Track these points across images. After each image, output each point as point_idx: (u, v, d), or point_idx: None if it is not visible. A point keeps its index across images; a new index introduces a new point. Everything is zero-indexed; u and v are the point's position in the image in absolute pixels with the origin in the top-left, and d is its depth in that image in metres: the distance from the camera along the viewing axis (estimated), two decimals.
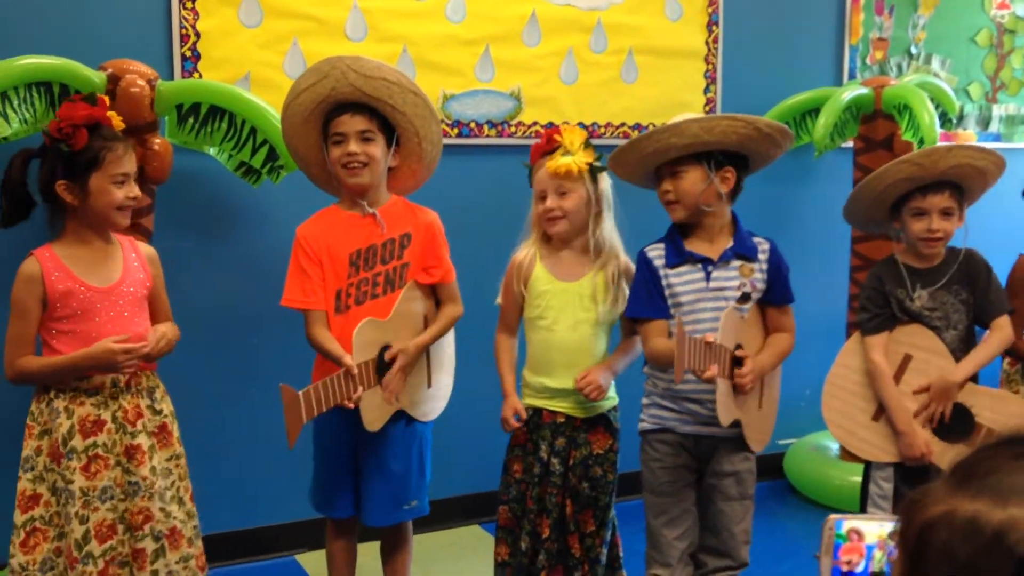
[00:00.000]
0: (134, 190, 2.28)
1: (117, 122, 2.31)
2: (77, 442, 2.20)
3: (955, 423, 2.56)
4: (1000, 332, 2.59)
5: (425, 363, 2.56)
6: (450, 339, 2.68)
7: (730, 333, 2.34)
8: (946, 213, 2.55)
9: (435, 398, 2.61)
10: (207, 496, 3.10)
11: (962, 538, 0.71)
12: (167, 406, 2.36)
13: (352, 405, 2.32)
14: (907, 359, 2.58)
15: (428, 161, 2.58)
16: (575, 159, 2.44)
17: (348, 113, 2.43)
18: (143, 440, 2.25)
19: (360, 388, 2.33)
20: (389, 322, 2.44)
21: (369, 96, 2.42)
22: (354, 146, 2.42)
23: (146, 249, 2.42)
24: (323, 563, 2.70)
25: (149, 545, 2.25)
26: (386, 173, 2.52)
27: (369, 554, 2.79)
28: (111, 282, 2.28)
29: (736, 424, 2.40)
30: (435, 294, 2.58)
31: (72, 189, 2.22)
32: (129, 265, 2.32)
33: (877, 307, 2.62)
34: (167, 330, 2.36)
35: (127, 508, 2.24)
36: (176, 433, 2.36)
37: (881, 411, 2.61)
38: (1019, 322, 2.79)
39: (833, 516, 1.00)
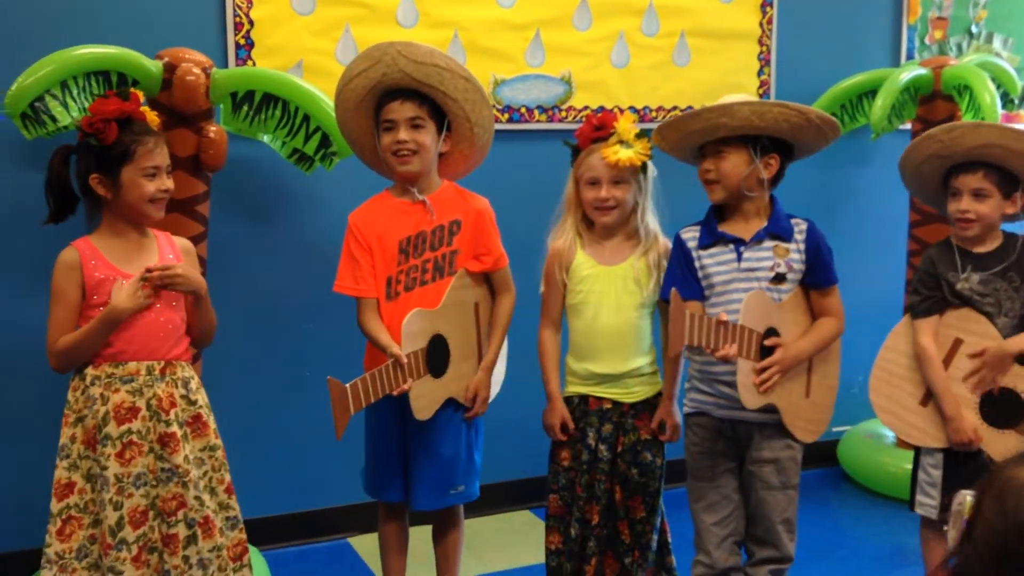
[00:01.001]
0: (166, 183, 2.30)
1: (151, 117, 2.33)
2: (112, 429, 2.23)
3: (1003, 408, 2.50)
4: None
5: (476, 351, 2.57)
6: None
7: (755, 315, 2.32)
8: (979, 194, 2.48)
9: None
10: (262, 479, 3.17)
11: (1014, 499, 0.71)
12: (202, 397, 2.38)
13: (398, 393, 2.34)
14: (957, 343, 2.53)
15: (480, 146, 2.58)
16: (636, 152, 2.43)
17: (399, 100, 2.43)
18: (176, 429, 2.28)
19: (409, 379, 2.35)
20: (439, 311, 2.45)
21: (420, 82, 2.42)
22: (404, 134, 2.43)
23: (181, 242, 2.45)
24: (375, 546, 2.73)
25: (182, 531, 2.28)
26: (437, 159, 2.53)
27: (421, 537, 2.81)
28: None
29: (771, 409, 2.38)
30: (488, 280, 2.59)
31: (105, 182, 2.26)
32: (164, 257, 2.35)
33: (928, 290, 2.57)
34: (185, 269, 2.34)
35: (159, 494, 2.27)
36: (212, 425, 2.38)
37: (929, 396, 2.56)
38: None
39: (964, 491, 0.99)
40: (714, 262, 2.41)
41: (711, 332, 2.22)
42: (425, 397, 2.42)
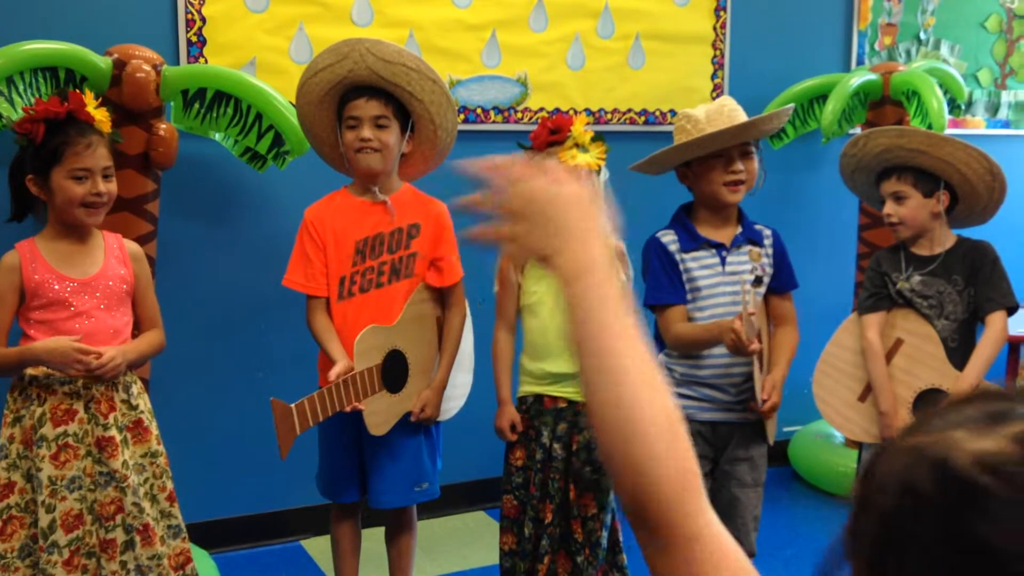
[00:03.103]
0: (99, 186, 2.24)
1: (100, 117, 2.29)
2: (47, 430, 2.20)
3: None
4: (991, 330, 2.57)
5: (438, 361, 2.56)
6: (467, 336, 2.67)
7: (760, 316, 2.37)
8: (897, 197, 2.58)
9: (449, 397, 2.59)
10: (214, 481, 3.13)
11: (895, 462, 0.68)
12: (144, 403, 2.35)
13: (350, 410, 2.33)
14: (898, 343, 2.61)
15: (441, 148, 2.57)
16: (593, 156, 2.44)
17: (364, 97, 2.41)
18: (115, 433, 2.25)
19: (360, 396, 2.33)
20: (396, 327, 2.44)
21: (387, 81, 2.40)
22: (368, 132, 2.41)
23: (131, 247, 2.41)
24: (328, 548, 2.71)
25: (119, 536, 2.25)
26: (399, 159, 2.52)
27: (374, 539, 2.80)
28: (88, 275, 2.28)
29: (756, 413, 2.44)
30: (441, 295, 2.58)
31: (38, 183, 2.23)
32: (110, 259, 2.32)
33: (874, 287, 2.67)
34: (118, 354, 2.24)
35: (96, 499, 2.24)
36: (155, 431, 2.35)
37: (868, 391, 2.64)
38: None
39: None
40: (698, 266, 2.42)
41: (751, 326, 2.26)
42: (380, 414, 2.40)
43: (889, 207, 2.58)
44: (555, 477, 2.49)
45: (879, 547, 0.65)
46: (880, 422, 2.58)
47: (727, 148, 2.37)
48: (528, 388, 2.56)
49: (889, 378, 2.59)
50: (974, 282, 2.58)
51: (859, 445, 2.73)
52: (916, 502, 0.64)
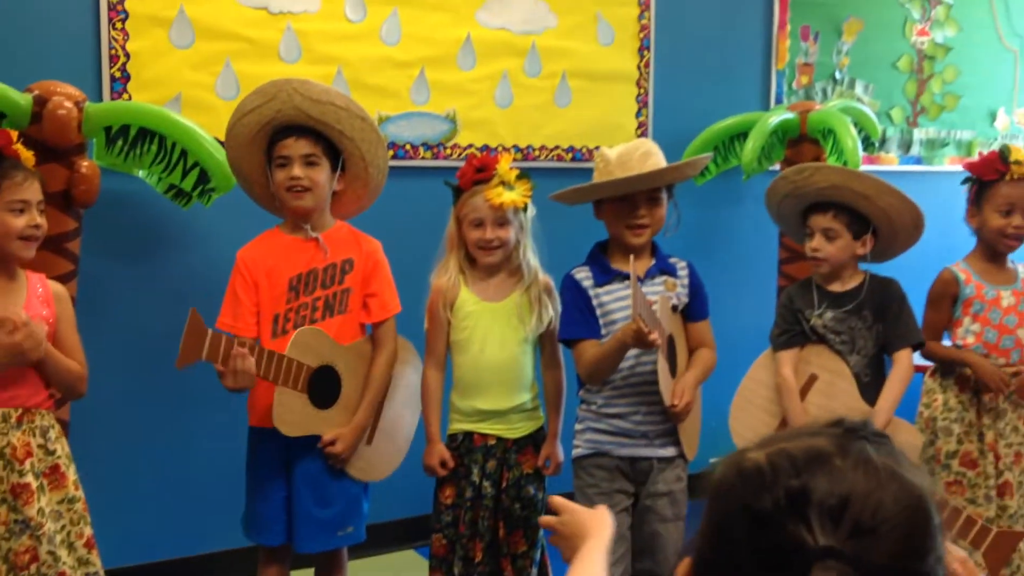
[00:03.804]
0: (36, 219, 2.22)
1: (26, 155, 2.26)
2: None
3: None
4: (899, 367, 2.62)
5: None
6: (405, 405, 2.64)
7: (665, 317, 2.41)
8: (828, 234, 2.59)
9: (375, 463, 2.57)
10: (137, 525, 3.06)
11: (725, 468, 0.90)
12: (62, 447, 2.29)
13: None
14: (812, 379, 2.65)
15: (373, 186, 2.58)
16: (519, 193, 2.47)
17: (293, 136, 2.41)
18: (31, 479, 2.19)
19: (278, 382, 2.32)
20: (342, 349, 2.45)
21: (316, 120, 2.41)
22: (298, 170, 2.41)
23: (55, 287, 2.36)
24: None
25: None
26: (330, 197, 2.51)
27: None
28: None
29: (667, 444, 2.48)
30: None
31: None
32: (32, 300, 2.27)
33: (787, 323, 2.69)
34: (42, 335, 2.19)
35: (11, 548, 2.17)
36: (72, 476, 2.29)
37: (784, 427, 2.66)
38: (934, 334, 2.91)
39: None
40: (612, 298, 2.47)
41: (649, 312, 2.28)
42: (293, 414, 2.38)
43: (817, 242, 2.60)
44: (484, 515, 2.49)
45: (703, 534, 0.89)
46: None
47: (632, 193, 2.43)
48: (458, 425, 2.56)
49: (804, 414, 2.62)
50: (883, 319, 2.64)
51: None
52: (711, 499, 0.89)
